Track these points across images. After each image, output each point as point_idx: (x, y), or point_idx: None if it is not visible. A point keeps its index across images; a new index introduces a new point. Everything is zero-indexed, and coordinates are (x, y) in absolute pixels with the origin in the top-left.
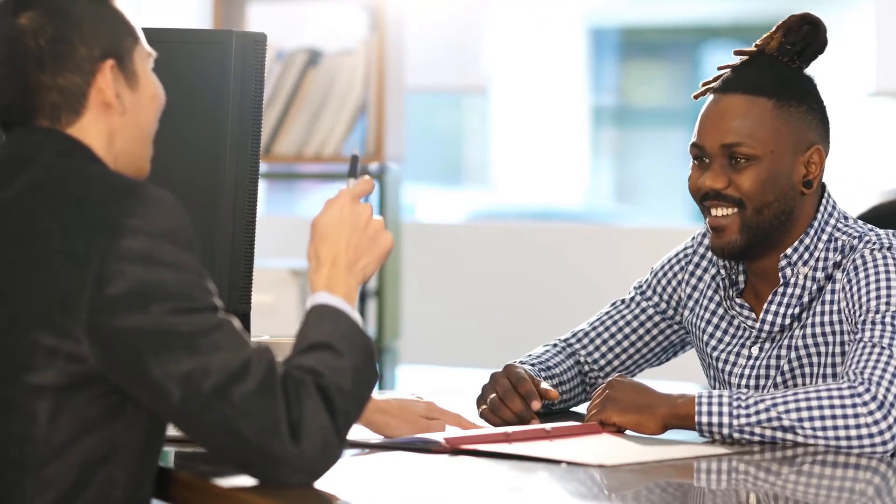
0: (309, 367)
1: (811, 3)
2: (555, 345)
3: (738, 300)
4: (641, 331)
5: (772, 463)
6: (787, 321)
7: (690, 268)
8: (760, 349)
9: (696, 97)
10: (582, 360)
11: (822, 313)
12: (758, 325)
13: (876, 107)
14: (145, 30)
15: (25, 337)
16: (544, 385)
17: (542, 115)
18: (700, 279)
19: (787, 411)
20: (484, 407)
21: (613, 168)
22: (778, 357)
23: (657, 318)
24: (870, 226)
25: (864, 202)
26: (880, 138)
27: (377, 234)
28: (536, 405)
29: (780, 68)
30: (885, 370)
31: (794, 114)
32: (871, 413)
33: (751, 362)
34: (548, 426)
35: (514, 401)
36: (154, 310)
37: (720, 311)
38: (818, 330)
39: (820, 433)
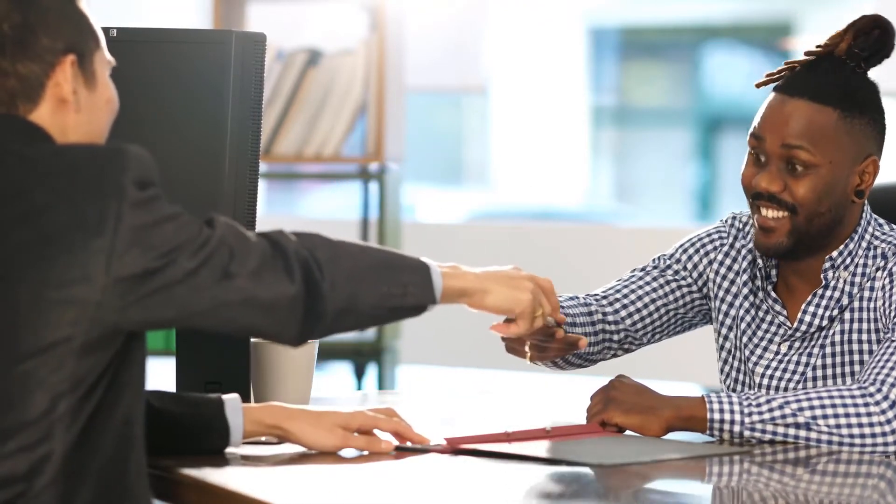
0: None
1: (811, 3)
2: (574, 296)
3: (772, 294)
4: (676, 293)
5: (773, 462)
6: (824, 323)
7: (725, 248)
8: (790, 346)
9: (758, 86)
10: (615, 317)
11: (862, 309)
12: (794, 324)
13: None
14: (146, 30)
15: (47, 313)
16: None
17: (542, 115)
18: (735, 260)
19: (801, 409)
20: (528, 353)
21: (613, 168)
22: (809, 355)
23: (690, 286)
24: None
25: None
26: None
27: (521, 281)
28: (560, 333)
29: (847, 75)
30: None
31: (856, 125)
32: (883, 412)
33: (778, 357)
34: (548, 426)
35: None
36: (167, 260)
37: (752, 298)
38: (854, 326)
39: (835, 430)
